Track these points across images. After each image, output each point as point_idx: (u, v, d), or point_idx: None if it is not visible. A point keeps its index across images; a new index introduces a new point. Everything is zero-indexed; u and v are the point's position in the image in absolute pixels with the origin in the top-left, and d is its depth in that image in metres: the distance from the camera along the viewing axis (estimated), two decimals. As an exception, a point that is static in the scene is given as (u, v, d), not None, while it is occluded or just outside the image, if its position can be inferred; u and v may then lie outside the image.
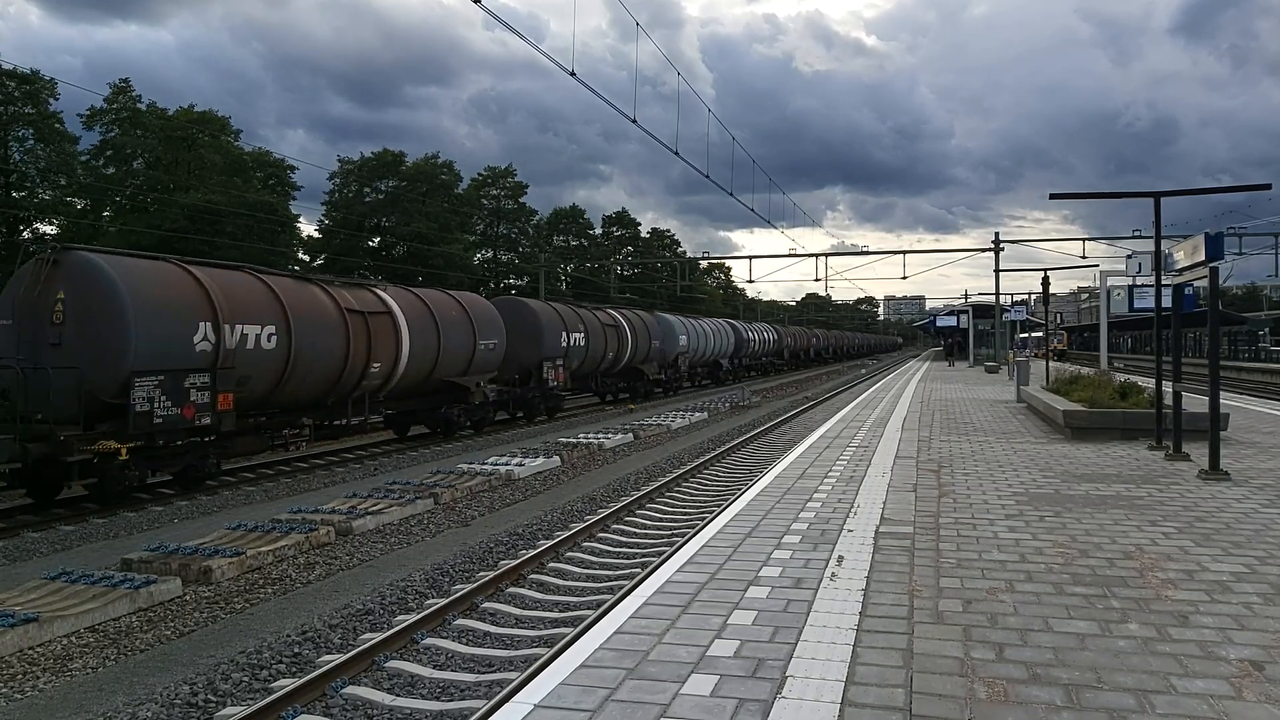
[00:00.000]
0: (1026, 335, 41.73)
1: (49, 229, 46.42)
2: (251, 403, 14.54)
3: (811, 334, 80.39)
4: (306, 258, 58.87)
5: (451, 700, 6.05)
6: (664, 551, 9.29)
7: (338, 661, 6.32)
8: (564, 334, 25.54)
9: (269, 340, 14.22)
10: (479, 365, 20.60)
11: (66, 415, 11.74)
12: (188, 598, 8.29)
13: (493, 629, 7.49)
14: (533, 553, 9.49)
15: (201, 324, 13.20)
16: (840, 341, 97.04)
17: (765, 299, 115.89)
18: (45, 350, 12.19)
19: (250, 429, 14.96)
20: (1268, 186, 11.12)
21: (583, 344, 26.80)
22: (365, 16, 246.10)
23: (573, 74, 16.70)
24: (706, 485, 14.43)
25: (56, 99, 44.78)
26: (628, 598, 5.03)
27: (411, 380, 18.44)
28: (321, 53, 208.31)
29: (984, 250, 41.96)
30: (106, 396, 12.14)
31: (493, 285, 66.37)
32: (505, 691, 5.45)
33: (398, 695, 6.11)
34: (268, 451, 15.93)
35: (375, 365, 16.81)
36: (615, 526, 11.21)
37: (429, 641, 7.03)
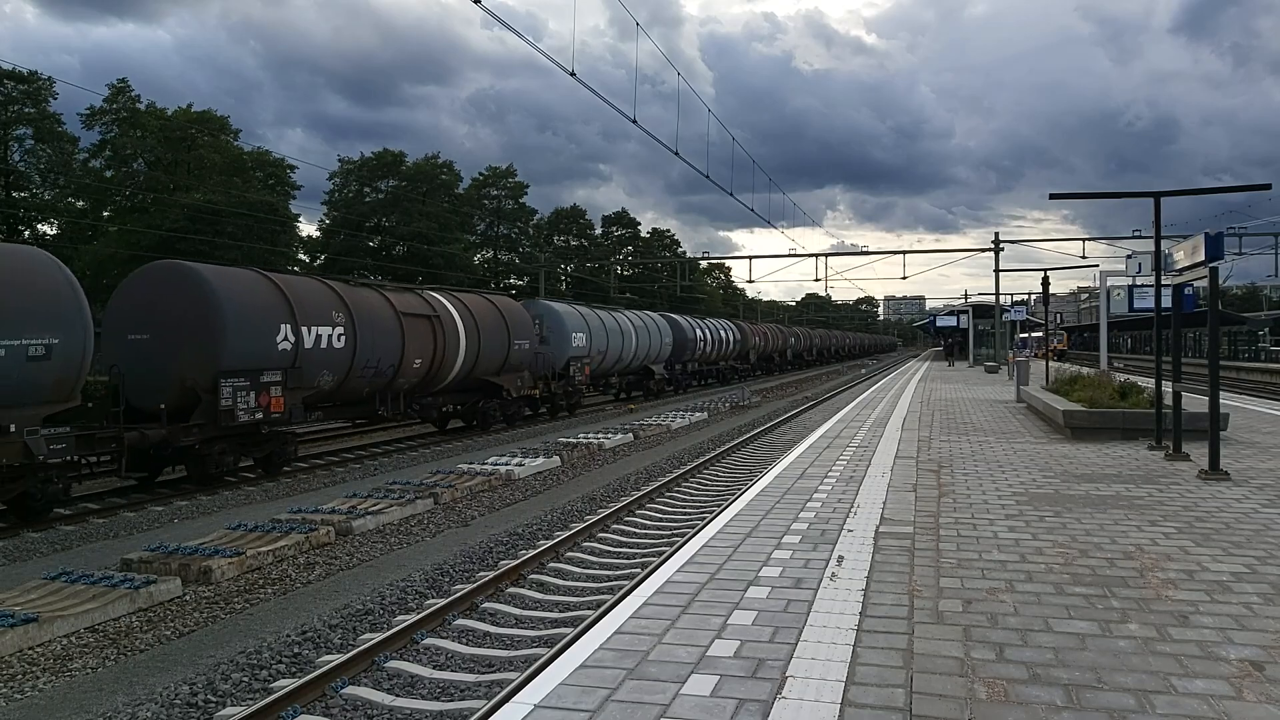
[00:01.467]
0: (1026, 335, 41.73)
1: (49, 229, 46.51)
2: None
3: (790, 333, 67.30)
4: (306, 258, 58.94)
5: (451, 700, 6.05)
6: (664, 551, 9.29)
7: (338, 661, 6.32)
8: (286, 328, 14.92)
9: None
10: (22, 391, 11.10)
11: None
12: (188, 598, 8.29)
13: (493, 629, 7.49)
14: (533, 553, 9.49)
15: None
16: (827, 342, 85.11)
17: (765, 299, 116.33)
18: None
19: None
20: (1268, 186, 11.12)
21: (343, 344, 16.19)
22: (363, 15, 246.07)
23: (572, 73, 16.72)
24: (706, 485, 14.43)
25: (56, 99, 44.88)
26: (628, 598, 5.03)
27: None
28: (319, 51, 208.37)
29: (984, 250, 42.04)
30: None
31: (493, 285, 66.40)
32: (505, 691, 5.45)
33: (398, 695, 6.11)
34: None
35: None
36: (615, 526, 11.21)
37: (429, 641, 7.03)
